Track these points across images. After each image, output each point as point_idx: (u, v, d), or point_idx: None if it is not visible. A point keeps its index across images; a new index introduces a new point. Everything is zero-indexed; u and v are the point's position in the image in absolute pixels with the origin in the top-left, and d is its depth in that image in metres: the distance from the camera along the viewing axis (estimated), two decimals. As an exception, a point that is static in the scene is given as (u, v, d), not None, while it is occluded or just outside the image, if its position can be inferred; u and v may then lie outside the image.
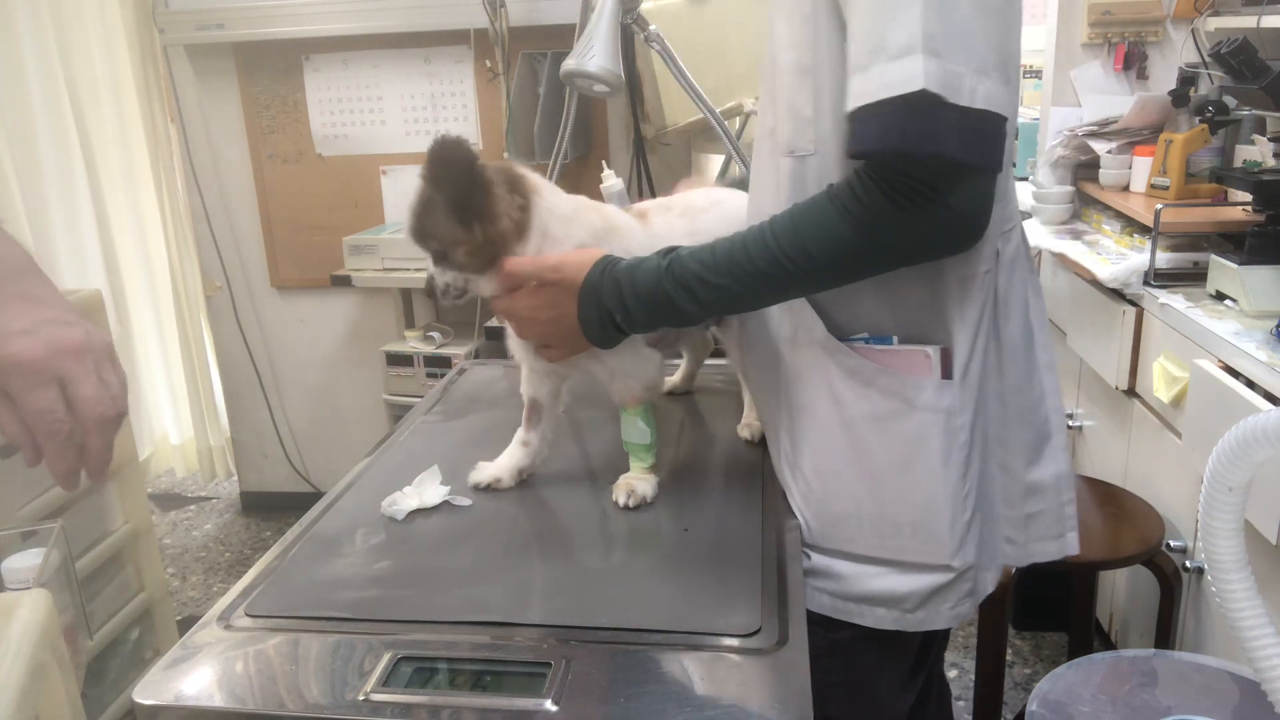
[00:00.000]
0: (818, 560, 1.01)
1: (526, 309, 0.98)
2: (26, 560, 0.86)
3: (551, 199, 1.01)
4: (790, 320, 0.99)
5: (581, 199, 1.06)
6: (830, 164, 0.91)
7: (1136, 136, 2.51)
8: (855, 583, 0.99)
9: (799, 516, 1.02)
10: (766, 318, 1.03)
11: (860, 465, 0.96)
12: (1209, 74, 2.38)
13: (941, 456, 0.93)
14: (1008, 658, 2.30)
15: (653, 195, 2.24)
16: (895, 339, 0.95)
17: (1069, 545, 1.04)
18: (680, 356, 1.41)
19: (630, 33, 1.69)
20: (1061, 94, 2.68)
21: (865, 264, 0.88)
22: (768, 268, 0.87)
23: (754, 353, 1.08)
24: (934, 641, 1.13)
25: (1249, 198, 1.93)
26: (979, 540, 0.98)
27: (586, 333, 0.96)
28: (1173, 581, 1.81)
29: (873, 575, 0.98)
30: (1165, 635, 1.85)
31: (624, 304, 0.93)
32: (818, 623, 1.01)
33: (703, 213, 1.12)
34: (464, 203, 0.95)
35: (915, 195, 0.80)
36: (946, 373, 0.93)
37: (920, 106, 0.78)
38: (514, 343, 1.10)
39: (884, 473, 0.95)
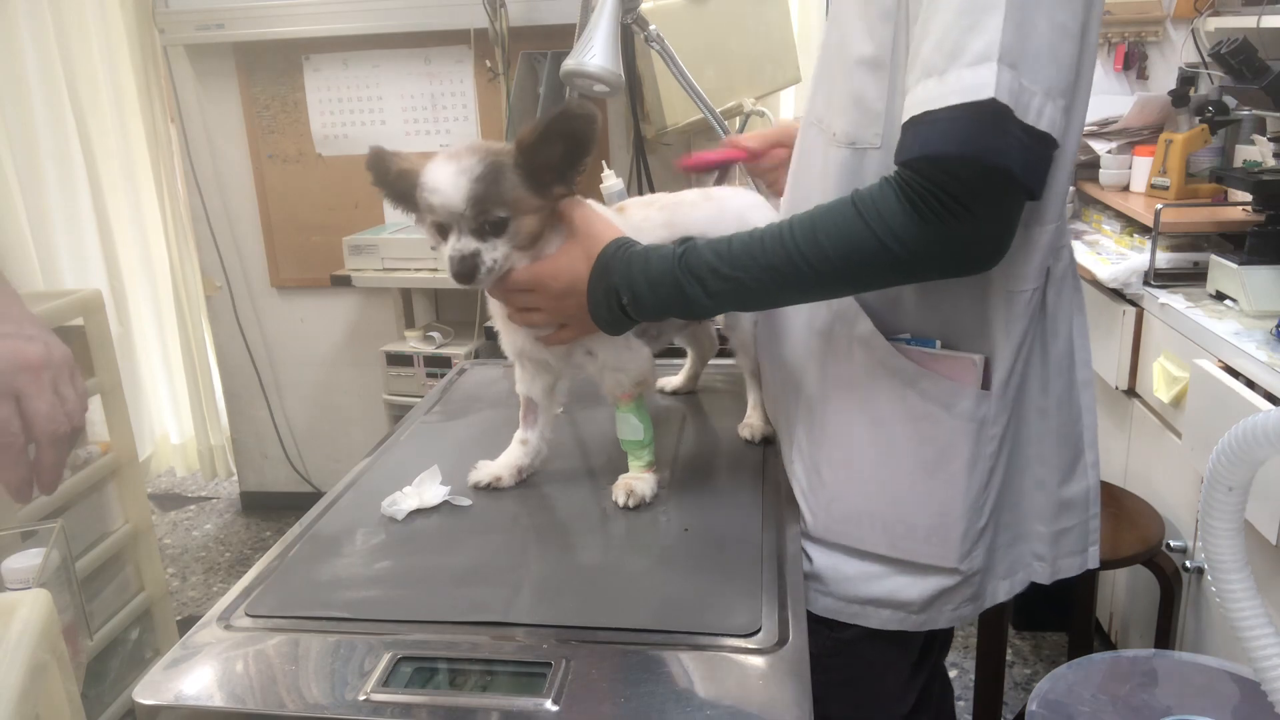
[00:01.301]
0: (820, 560, 1.01)
1: (546, 273, 0.97)
2: (26, 560, 0.86)
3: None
4: (826, 312, 0.98)
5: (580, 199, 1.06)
6: (893, 160, 0.88)
7: (1136, 136, 2.51)
8: (860, 584, 0.99)
9: (804, 510, 1.02)
10: (798, 308, 1.02)
11: (882, 464, 0.96)
12: (1209, 74, 2.38)
13: (968, 465, 0.93)
14: (1008, 658, 2.30)
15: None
16: (938, 343, 0.94)
17: (1090, 559, 1.03)
18: (684, 355, 1.41)
19: (630, 33, 1.68)
20: (1061, 94, 2.68)
21: (880, 274, 0.86)
22: (782, 265, 0.86)
23: (777, 339, 1.08)
24: (936, 640, 1.13)
25: (1249, 198, 1.93)
26: (990, 547, 0.97)
27: (593, 311, 0.95)
28: (1173, 581, 1.81)
29: (878, 575, 0.98)
30: (1165, 635, 1.85)
31: (632, 285, 0.92)
32: (820, 621, 1.00)
33: (689, 207, 1.12)
34: (565, 161, 0.95)
35: (944, 209, 0.79)
36: (985, 383, 0.93)
37: (989, 116, 0.76)
38: (508, 339, 1.09)
39: (906, 475, 0.95)
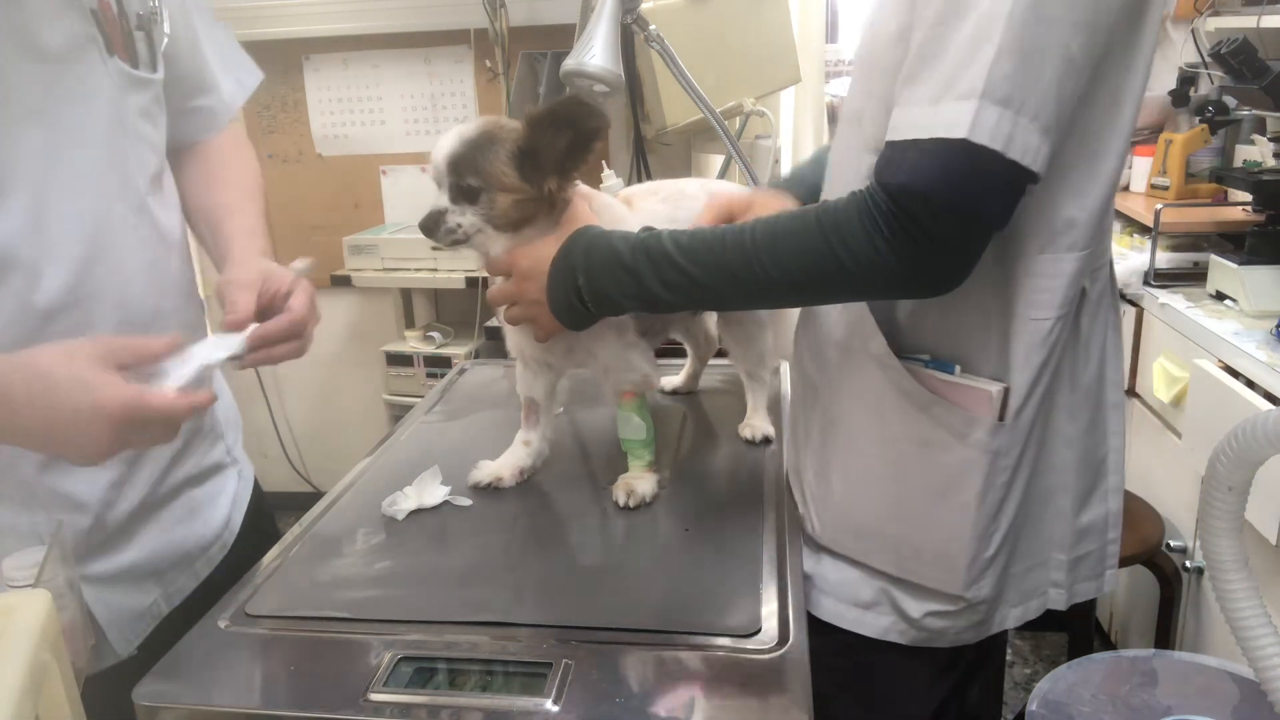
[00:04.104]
0: (824, 566, 1.00)
1: (520, 254, 0.97)
2: (27, 559, 0.86)
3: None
4: (845, 325, 0.95)
5: (590, 190, 1.06)
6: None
7: (1136, 136, 2.51)
8: (860, 592, 0.98)
9: (811, 515, 1.01)
10: (822, 315, 0.99)
11: (892, 484, 0.94)
12: (1209, 74, 2.38)
13: (979, 495, 0.90)
14: (1008, 658, 2.30)
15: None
16: (958, 368, 0.91)
17: (1106, 583, 1.00)
18: (684, 355, 1.41)
19: (630, 33, 1.68)
20: (1061, 94, 2.68)
21: (831, 288, 0.85)
22: (737, 267, 0.85)
23: (803, 341, 1.05)
24: (964, 655, 1.07)
25: (1249, 198, 1.93)
26: (1001, 576, 0.94)
27: (550, 296, 0.94)
28: (1173, 581, 1.81)
29: (881, 589, 0.97)
30: (1165, 635, 1.85)
31: (589, 267, 0.90)
32: (823, 622, 1.00)
33: (691, 200, 1.12)
34: (565, 154, 0.94)
35: (906, 234, 0.77)
36: (1001, 414, 0.89)
37: (969, 156, 0.74)
38: (510, 336, 1.10)
39: (915, 498, 0.93)
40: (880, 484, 0.95)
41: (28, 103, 0.83)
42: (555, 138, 0.94)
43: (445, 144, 0.97)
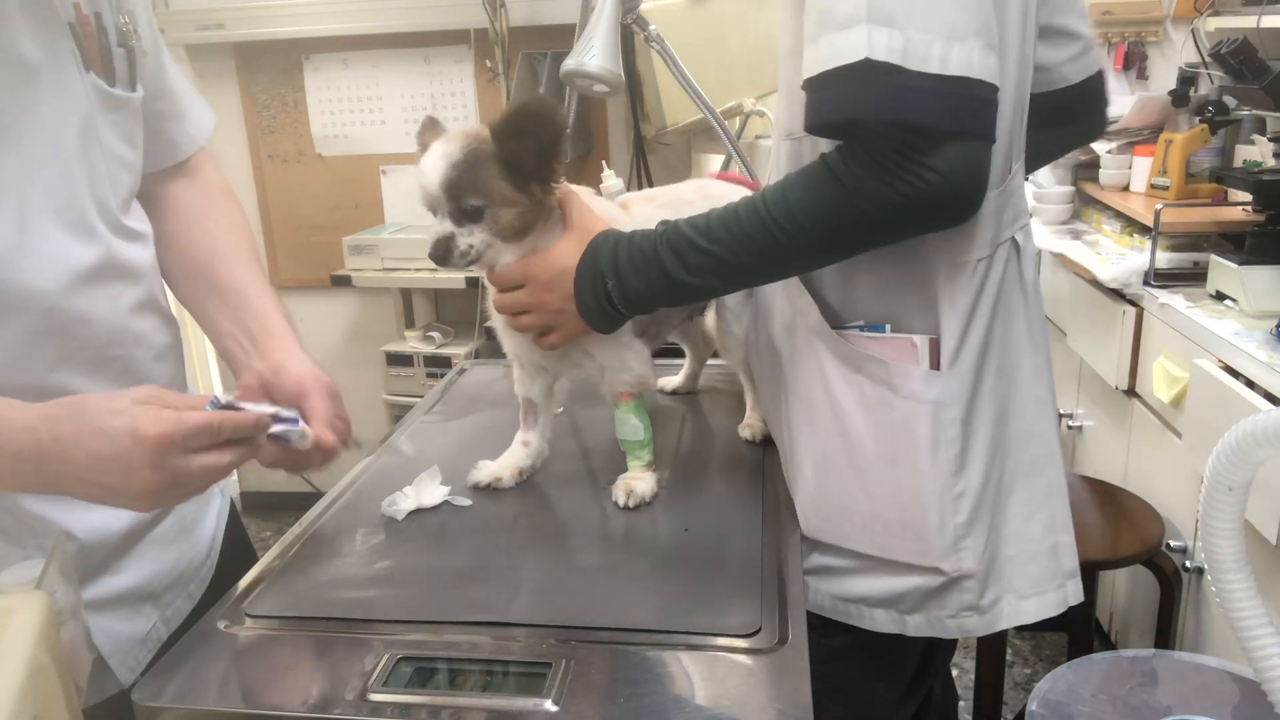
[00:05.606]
0: (817, 557, 1.01)
1: (536, 264, 0.97)
2: (25, 573, 0.85)
3: (568, 183, 1.02)
4: (789, 307, 0.99)
5: (583, 188, 1.06)
6: (823, 145, 0.88)
7: (1136, 136, 2.51)
8: (852, 583, 0.99)
9: (797, 509, 1.02)
10: (767, 304, 1.03)
11: (851, 456, 0.95)
12: (1209, 74, 2.38)
13: (929, 450, 0.91)
14: (1008, 658, 2.30)
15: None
16: (888, 327, 0.93)
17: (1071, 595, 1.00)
18: (683, 355, 1.41)
19: (630, 33, 1.68)
20: (1061, 94, 2.68)
21: (853, 234, 0.85)
22: (756, 233, 0.86)
23: (756, 341, 1.08)
24: (937, 652, 1.11)
25: (1249, 198, 1.93)
26: (984, 552, 0.93)
27: (579, 301, 0.95)
28: (1173, 581, 1.81)
29: (866, 573, 0.98)
30: (1165, 635, 1.85)
31: (617, 269, 0.92)
32: (813, 627, 1.00)
33: (688, 205, 1.12)
34: (537, 161, 0.93)
35: (898, 164, 0.78)
36: (935, 363, 0.91)
37: (872, 76, 0.76)
38: (506, 340, 1.09)
39: (872, 465, 0.94)
40: (842, 459, 0.96)
41: (3, 113, 0.81)
42: (523, 146, 0.93)
43: (434, 169, 0.95)
